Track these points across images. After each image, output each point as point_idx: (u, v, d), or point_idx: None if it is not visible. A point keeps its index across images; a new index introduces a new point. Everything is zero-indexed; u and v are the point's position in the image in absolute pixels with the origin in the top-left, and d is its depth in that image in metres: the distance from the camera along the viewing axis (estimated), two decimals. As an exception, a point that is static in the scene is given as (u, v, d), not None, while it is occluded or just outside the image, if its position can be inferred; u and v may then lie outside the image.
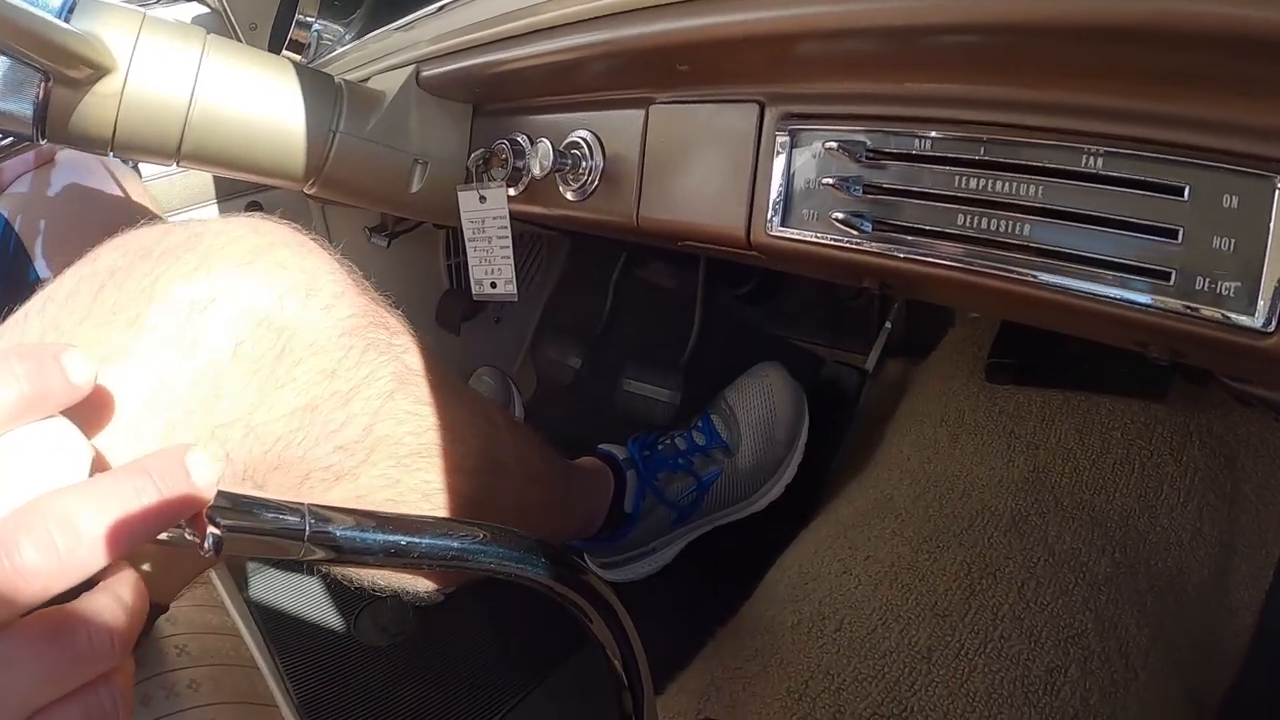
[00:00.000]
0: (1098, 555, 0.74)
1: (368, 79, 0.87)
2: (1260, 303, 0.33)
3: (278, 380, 0.45)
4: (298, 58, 0.97)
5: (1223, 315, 0.34)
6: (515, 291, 0.69)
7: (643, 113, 0.57)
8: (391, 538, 0.38)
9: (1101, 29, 0.32)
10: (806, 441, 1.00)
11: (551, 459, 0.79)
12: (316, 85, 0.73)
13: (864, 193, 0.44)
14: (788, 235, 0.48)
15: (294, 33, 1.09)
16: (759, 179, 0.49)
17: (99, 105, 0.66)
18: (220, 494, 0.32)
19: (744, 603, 0.83)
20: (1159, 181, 0.35)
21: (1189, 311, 0.35)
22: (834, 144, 0.44)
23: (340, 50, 1.02)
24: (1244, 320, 0.33)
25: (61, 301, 0.43)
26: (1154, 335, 0.37)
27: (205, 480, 0.32)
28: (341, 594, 1.04)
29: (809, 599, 0.77)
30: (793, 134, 0.47)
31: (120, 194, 0.98)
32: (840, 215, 0.44)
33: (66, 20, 0.64)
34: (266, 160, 0.72)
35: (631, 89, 0.58)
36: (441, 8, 0.76)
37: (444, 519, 0.43)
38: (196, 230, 0.46)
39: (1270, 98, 0.31)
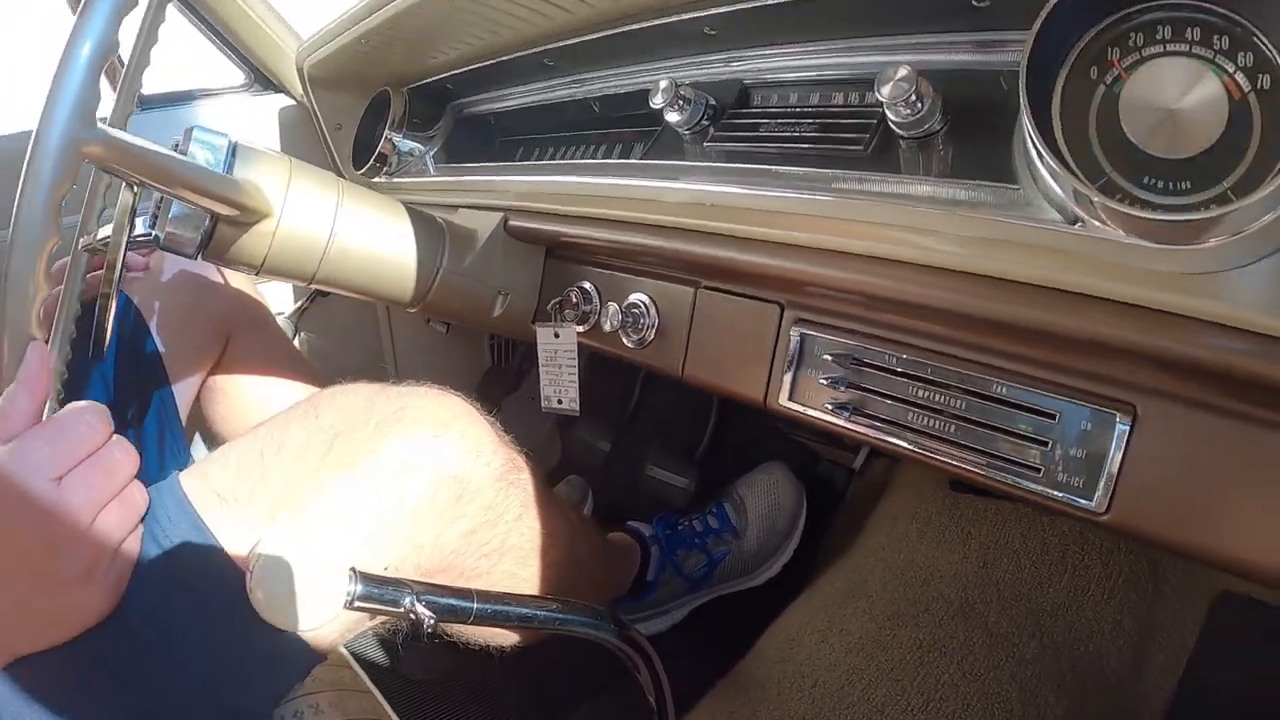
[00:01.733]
0: (1028, 639, 0.92)
1: (456, 209, 1.06)
2: (1098, 494, 0.52)
3: (454, 516, 0.67)
4: (401, 204, 1.14)
5: (1072, 500, 0.52)
6: (578, 409, 0.88)
7: (692, 291, 0.76)
8: (498, 607, 0.60)
9: (1010, 324, 0.51)
10: (802, 529, 1.19)
11: (604, 543, 1.01)
12: (427, 227, 0.91)
13: (847, 389, 0.63)
14: (792, 408, 0.67)
15: (381, 146, 1.27)
16: (775, 362, 0.68)
17: (255, 240, 0.80)
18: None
19: (740, 660, 1.01)
20: (1040, 408, 0.54)
21: (1050, 495, 0.53)
22: (828, 356, 0.64)
23: (430, 178, 1.20)
24: (1086, 504, 0.52)
25: (297, 451, 0.62)
26: (1032, 505, 0.56)
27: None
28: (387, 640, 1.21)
29: (792, 660, 0.96)
30: (803, 336, 0.66)
31: (222, 280, 1.17)
32: (830, 404, 0.64)
33: (229, 171, 0.77)
34: (383, 289, 0.90)
35: (683, 275, 0.77)
36: (527, 166, 0.95)
37: (537, 597, 0.65)
38: (399, 404, 0.66)
39: (1116, 359, 0.49)
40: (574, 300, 0.87)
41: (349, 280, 0.89)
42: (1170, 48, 0.44)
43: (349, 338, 1.64)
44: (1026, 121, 0.46)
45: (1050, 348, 0.53)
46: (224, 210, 0.76)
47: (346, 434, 0.64)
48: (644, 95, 0.76)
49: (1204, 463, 0.48)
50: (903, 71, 0.54)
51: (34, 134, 0.54)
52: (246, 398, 1.14)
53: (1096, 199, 0.43)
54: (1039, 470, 0.54)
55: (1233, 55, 0.43)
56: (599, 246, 0.82)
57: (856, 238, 0.57)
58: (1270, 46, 0.42)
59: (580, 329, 0.87)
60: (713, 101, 0.74)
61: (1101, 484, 0.51)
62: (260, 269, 0.84)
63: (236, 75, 1.62)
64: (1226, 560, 0.47)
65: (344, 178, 1.37)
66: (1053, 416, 0.53)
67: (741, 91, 0.74)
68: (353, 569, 0.58)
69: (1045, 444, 0.54)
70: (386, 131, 1.25)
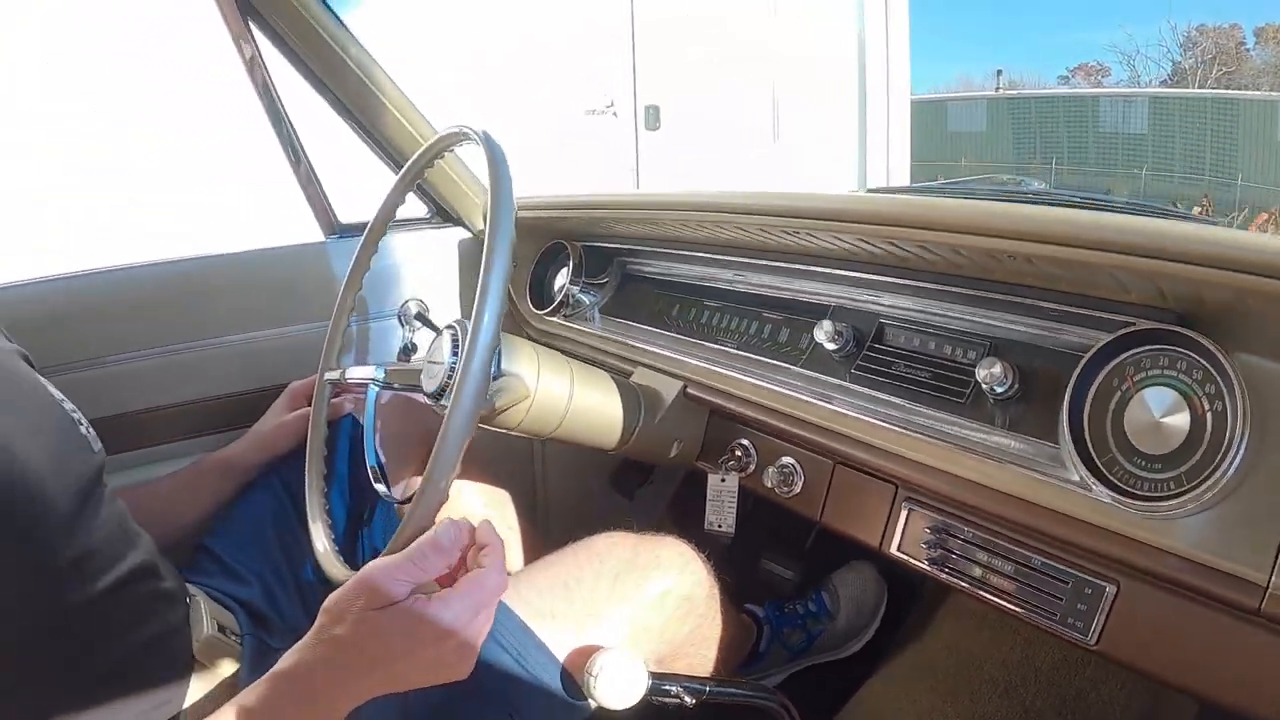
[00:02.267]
0: (1053, 715, 1.26)
1: (634, 369, 1.40)
2: (1092, 632, 0.85)
3: (685, 621, 1.07)
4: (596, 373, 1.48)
5: (1073, 634, 0.86)
6: (733, 533, 1.23)
7: (831, 465, 1.11)
8: (696, 686, 0.97)
9: (1038, 530, 0.86)
10: (883, 615, 1.53)
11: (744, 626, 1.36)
12: (629, 394, 1.24)
13: (937, 547, 0.98)
14: (897, 554, 1.02)
15: (562, 295, 1.61)
16: (889, 524, 1.03)
17: (512, 414, 1.09)
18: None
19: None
20: (1059, 575, 0.88)
21: (1059, 629, 0.87)
22: (927, 526, 0.99)
23: (597, 328, 1.54)
24: (1082, 638, 0.86)
25: (591, 584, 1.03)
26: (1047, 635, 0.90)
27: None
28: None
29: (873, 724, 1.31)
30: (909, 510, 1.01)
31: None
32: (924, 555, 0.99)
33: (497, 377, 1.05)
34: (598, 441, 1.24)
35: (824, 454, 1.12)
36: (701, 346, 1.31)
37: (728, 678, 1.03)
38: (655, 553, 1.08)
39: (1109, 560, 0.84)
40: (737, 455, 1.23)
41: (573, 435, 1.20)
42: (1166, 374, 0.78)
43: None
44: (1065, 413, 0.81)
45: (1065, 547, 0.87)
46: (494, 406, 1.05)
47: (624, 574, 1.06)
48: (803, 305, 1.19)
49: (1163, 621, 0.81)
50: (997, 366, 0.88)
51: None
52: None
53: (1100, 471, 0.79)
54: (1055, 614, 0.88)
55: (1203, 384, 0.76)
56: (761, 423, 1.18)
57: (947, 462, 0.93)
58: (1225, 383, 0.74)
59: (740, 475, 1.23)
60: (857, 331, 1.10)
61: (1094, 626, 0.85)
62: (514, 429, 1.13)
63: (420, 208, 1.90)
64: (1181, 689, 0.81)
65: (519, 311, 1.74)
66: (1066, 581, 0.87)
67: (879, 328, 1.09)
68: (649, 671, 0.95)
69: (1060, 598, 0.88)
70: (567, 284, 1.59)
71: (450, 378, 1.00)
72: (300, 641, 0.78)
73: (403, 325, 1.78)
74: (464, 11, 5.96)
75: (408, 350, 1.76)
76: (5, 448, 0.79)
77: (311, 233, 1.87)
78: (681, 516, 1.42)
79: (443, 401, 1.01)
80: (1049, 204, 1.09)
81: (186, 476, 1.29)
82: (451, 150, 1.14)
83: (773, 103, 7.84)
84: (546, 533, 1.71)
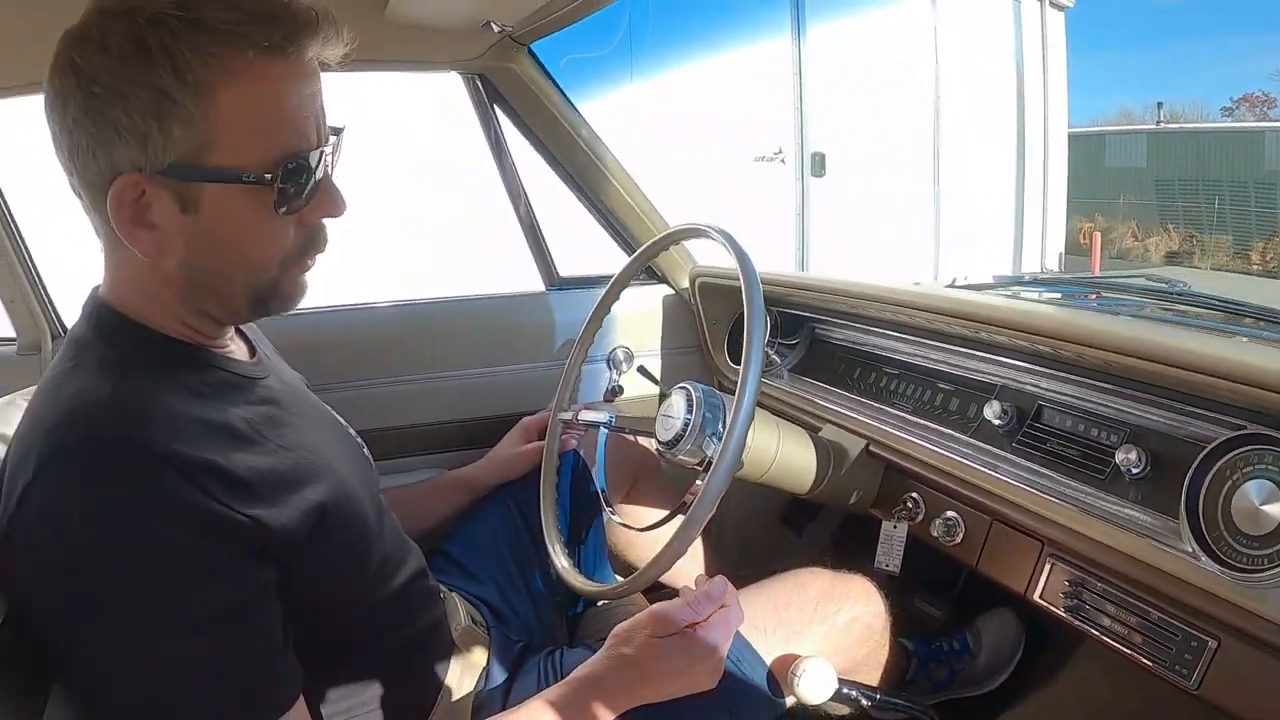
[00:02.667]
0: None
1: (821, 426, 1.64)
2: (1194, 678, 1.05)
3: (864, 643, 1.35)
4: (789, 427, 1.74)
5: (1179, 679, 1.06)
6: (898, 571, 1.47)
7: (989, 521, 1.33)
8: (869, 693, 1.24)
9: (1158, 590, 1.09)
10: (1020, 659, 1.73)
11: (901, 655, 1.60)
12: (822, 449, 1.49)
13: (1074, 599, 1.20)
14: (1040, 601, 1.24)
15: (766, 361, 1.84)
16: (1034, 575, 1.25)
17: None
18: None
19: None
20: (1171, 630, 1.09)
21: (1168, 674, 1.08)
22: (1067, 580, 1.21)
23: (785, 384, 1.79)
24: (1186, 683, 1.06)
25: (796, 609, 1.31)
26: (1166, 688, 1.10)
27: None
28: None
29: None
30: (1052, 565, 1.23)
31: (632, 439, 1.81)
32: (1063, 604, 1.21)
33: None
34: (794, 485, 1.49)
35: (983, 512, 1.36)
36: (883, 411, 1.56)
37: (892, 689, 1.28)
38: (847, 588, 1.36)
39: (1210, 618, 1.06)
40: (908, 505, 1.47)
41: (776, 481, 1.45)
42: (1269, 469, 0.97)
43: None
44: (1184, 495, 1.04)
45: (1177, 605, 1.07)
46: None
47: (823, 602, 1.33)
48: (973, 381, 1.43)
49: (1256, 675, 0.99)
50: (1134, 453, 1.12)
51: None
52: (642, 518, 1.66)
53: (1209, 545, 1.01)
54: (1164, 660, 1.07)
55: None
56: (931, 480, 1.43)
57: (1086, 527, 1.16)
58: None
59: (910, 523, 1.47)
60: (1020, 409, 1.34)
61: (1196, 674, 1.04)
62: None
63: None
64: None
65: (716, 364, 2.00)
66: (1176, 634, 1.07)
67: (1038, 409, 1.32)
68: (840, 677, 1.22)
69: (1170, 647, 1.08)
70: (775, 342, 1.86)
71: (684, 431, 1.27)
72: (594, 656, 1.05)
73: (610, 369, 2.09)
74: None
75: (615, 392, 2.06)
76: (331, 467, 1.01)
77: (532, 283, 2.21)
78: (841, 552, 1.65)
79: (675, 450, 1.29)
80: (1182, 320, 1.38)
81: (426, 488, 1.59)
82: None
83: (934, 149, 7.98)
84: (725, 556, 1.97)
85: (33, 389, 1.16)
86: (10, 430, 1.01)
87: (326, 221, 0.97)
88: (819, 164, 7.31)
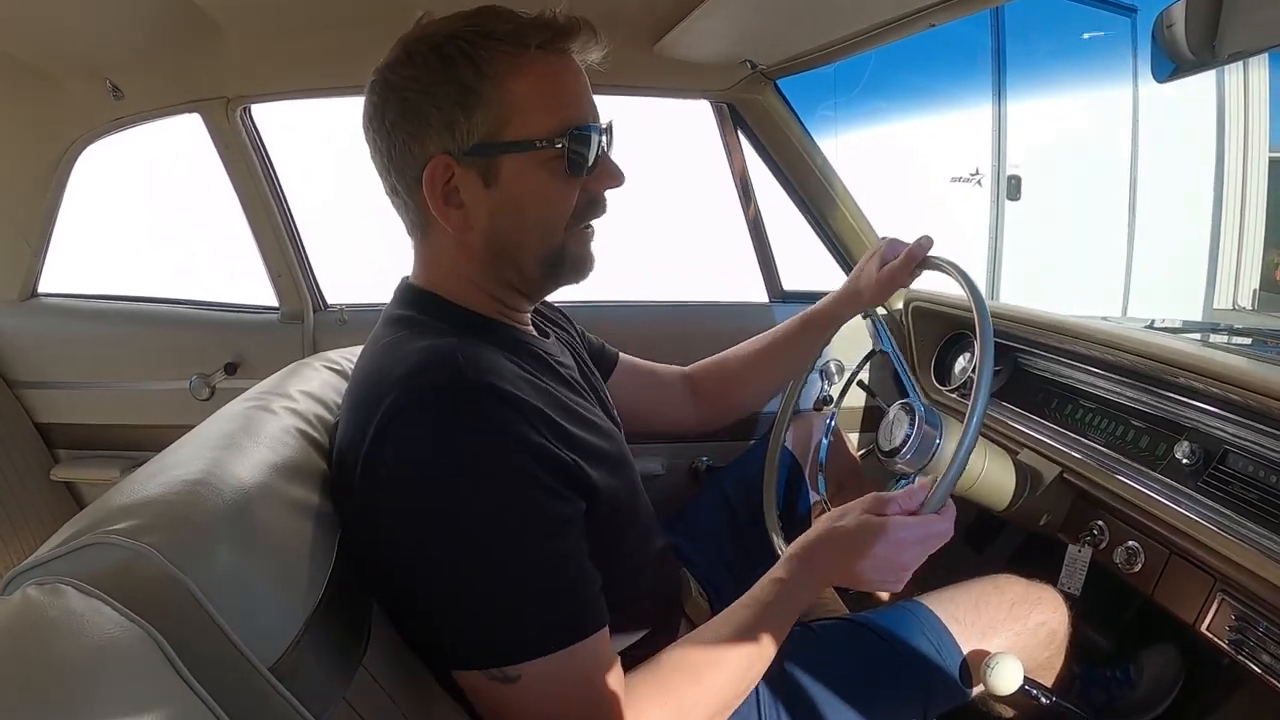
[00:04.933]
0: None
1: (1019, 450, 1.76)
2: None
3: (1048, 647, 1.47)
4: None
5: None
6: (1079, 592, 1.58)
7: (1167, 554, 1.45)
8: (1049, 694, 1.40)
9: None
10: (1177, 694, 1.81)
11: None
12: (1021, 471, 1.61)
13: (1238, 634, 1.31)
14: (1207, 634, 1.35)
15: (960, 377, 2.01)
16: (1204, 606, 1.36)
17: None
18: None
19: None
20: None
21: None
22: (1233, 615, 1.31)
23: (992, 412, 1.89)
24: None
25: (994, 607, 1.46)
26: None
27: None
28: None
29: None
30: (1222, 600, 1.34)
31: (845, 441, 1.99)
32: (1227, 636, 1.32)
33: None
34: (992, 502, 1.62)
35: (1163, 544, 1.46)
36: (1077, 441, 1.67)
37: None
38: (1038, 595, 1.49)
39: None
40: (1094, 532, 1.59)
41: (977, 496, 1.58)
42: None
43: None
44: None
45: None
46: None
47: (1020, 606, 1.46)
48: (1163, 420, 1.54)
49: None
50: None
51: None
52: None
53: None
54: None
55: None
56: (1117, 510, 1.54)
57: (1259, 567, 1.25)
58: None
59: (1094, 549, 1.59)
60: (1207, 452, 1.44)
61: None
62: None
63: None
64: None
65: (921, 383, 2.13)
66: None
67: (1224, 453, 1.42)
68: (1025, 675, 1.35)
69: None
70: (968, 368, 2.02)
71: (905, 442, 1.43)
72: (810, 529, 1.14)
73: (823, 379, 2.26)
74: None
75: (826, 401, 2.23)
76: (612, 435, 1.16)
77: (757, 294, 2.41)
78: (1017, 573, 1.75)
79: (895, 459, 1.45)
80: None
81: (782, 332, 1.71)
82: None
83: (1130, 176, 7.79)
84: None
85: (329, 354, 1.40)
86: (310, 388, 1.24)
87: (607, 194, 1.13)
88: (1014, 188, 7.25)
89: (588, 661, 0.95)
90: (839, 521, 1.11)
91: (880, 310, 1.57)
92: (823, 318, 1.64)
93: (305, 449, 1.07)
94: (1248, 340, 2.00)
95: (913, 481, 1.39)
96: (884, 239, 1.55)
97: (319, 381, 1.26)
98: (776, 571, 1.13)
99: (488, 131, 1.01)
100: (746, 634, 1.07)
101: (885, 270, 1.51)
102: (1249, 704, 1.51)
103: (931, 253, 1.46)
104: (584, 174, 1.06)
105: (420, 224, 1.11)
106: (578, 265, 1.13)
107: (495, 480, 0.92)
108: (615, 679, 0.98)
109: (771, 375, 1.69)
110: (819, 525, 1.13)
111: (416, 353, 0.98)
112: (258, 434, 1.02)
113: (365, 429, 0.96)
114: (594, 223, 1.14)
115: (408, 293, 1.16)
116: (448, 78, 1.00)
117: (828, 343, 1.69)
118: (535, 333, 1.23)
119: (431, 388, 0.94)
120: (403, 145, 1.04)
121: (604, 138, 1.08)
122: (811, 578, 1.11)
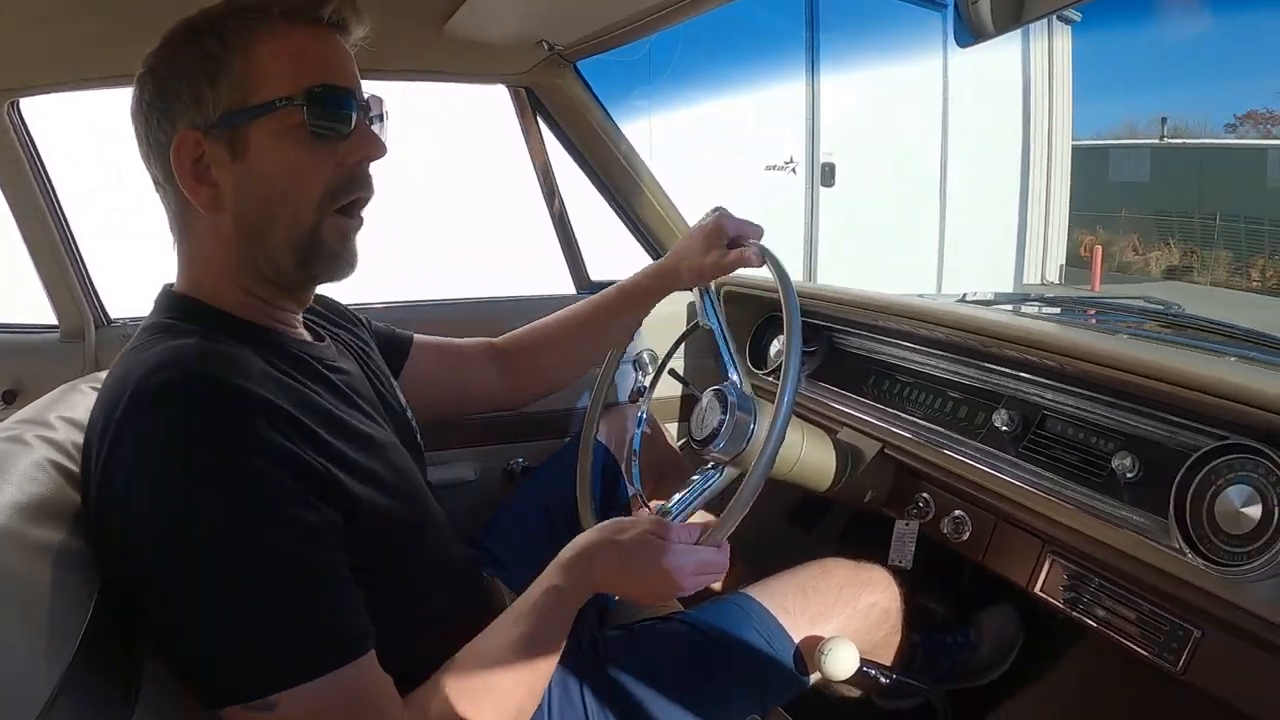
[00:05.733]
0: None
1: (839, 429, 1.75)
2: (1180, 664, 1.17)
3: (880, 626, 1.45)
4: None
5: (1167, 665, 1.18)
6: (910, 567, 1.58)
7: (994, 520, 1.45)
8: (887, 673, 1.38)
9: (1148, 585, 1.20)
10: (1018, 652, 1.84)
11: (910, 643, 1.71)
12: (840, 450, 1.60)
13: (1071, 590, 1.31)
14: (1041, 594, 1.36)
15: (774, 360, 2.01)
16: (1035, 568, 1.37)
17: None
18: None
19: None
20: (1158, 621, 1.20)
21: (1157, 662, 1.19)
22: (1065, 575, 1.32)
23: (809, 394, 1.87)
24: (1172, 669, 1.17)
25: (823, 592, 1.42)
26: (1147, 665, 1.22)
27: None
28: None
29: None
30: (1052, 561, 1.34)
31: (663, 433, 1.95)
32: (1061, 595, 1.32)
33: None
34: (814, 483, 1.59)
35: (988, 511, 1.47)
36: (897, 416, 1.67)
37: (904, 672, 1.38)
38: (868, 575, 1.46)
39: (1193, 610, 1.17)
40: (919, 505, 1.58)
41: (798, 479, 1.56)
42: (1249, 475, 1.08)
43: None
44: (1173, 497, 1.14)
45: (1166, 597, 1.19)
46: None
47: (848, 589, 1.43)
48: (981, 391, 1.54)
49: (1236, 660, 1.11)
50: (1128, 459, 1.23)
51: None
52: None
53: (1194, 542, 1.12)
54: (1154, 649, 1.18)
55: (1274, 485, 1.06)
56: (941, 481, 1.54)
57: (1084, 525, 1.27)
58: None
59: (920, 521, 1.58)
60: (1025, 418, 1.45)
61: (1182, 660, 1.16)
62: None
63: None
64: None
65: (736, 369, 2.11)
66: (1164, 624, 1.18)
67: (1042, 418, 1.44)
68: (861, 657, 1.31)
69: (1159, 636, 1.19)
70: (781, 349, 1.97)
71: (719, 429, 1.35)
72: (585, 536, 1.10)
73: (636, 370, 2.20)
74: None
75: (640, 392, 2.17)
76: (395, 446, 1.14)
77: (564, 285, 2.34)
78: (847, 551, 1.74)
79: (709, 447, 1.38)
80: (1175, 340, 1.52)
81: (581, 311, 1.62)
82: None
83: (941, 160, 8.10)
84: (738, 554, 2.05)
85: (101, 374, 1.26)
86: (74, 414, 1.11)
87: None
88: (828, 174, 7.46)
89: (353, 689, 0.88)
90: (619, 535, 1.09)
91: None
92: (639, 290, 1.55)
93: (58, 484, 0.95)
94: (1057, 309, 2.05)
95: (721, 473, 1.34)
96: (714, 209, 1.44)
97: (85, 406, 1.12)
98: (554, 579, 1.08)
99: (233, 101, 0.96)
100: (528, 649, 1.02)
101: (710, 259, 1.39)
102: (1089, 655, 1.54)
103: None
104: (334, 142, 1.00)
105: (180, 214, 1.03)
106: (333, 258, 1.05)
107: (228, 483, 0.85)
108: (388, 706, 0.91)
109: (585, 345, 1.62)
110: (596, 533, 1.11)
111: (154, 355, 0.91)
112: (5, 472, 0.92)
113: (103, 440, 0.89)
114: (365, 217, 1.07)
115: (166, 299, 1.06)
116: (193, 52, 0.97)
117: (646, 313, 1.59)
118: (308, 336, 1.15)
119: (162, 385, 0.87)
120: (156, 126, 0.99)
121: (359, 108, 1.02)
122: (588, 586, 1.08)
